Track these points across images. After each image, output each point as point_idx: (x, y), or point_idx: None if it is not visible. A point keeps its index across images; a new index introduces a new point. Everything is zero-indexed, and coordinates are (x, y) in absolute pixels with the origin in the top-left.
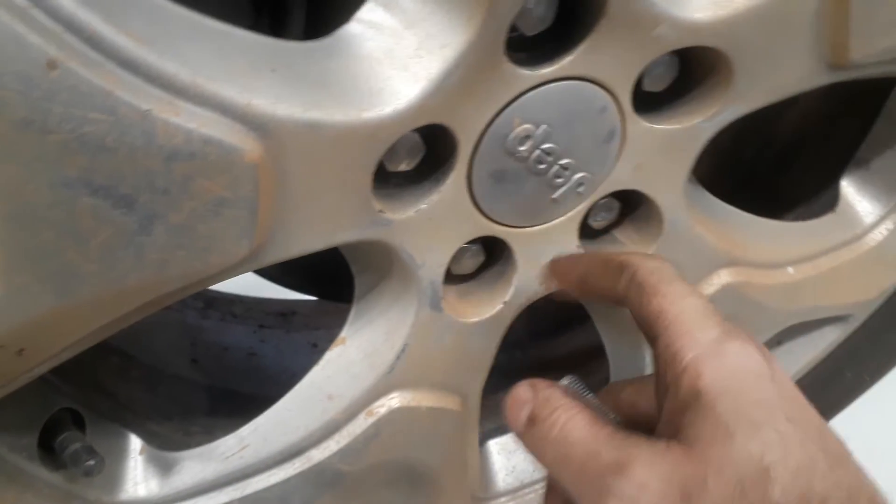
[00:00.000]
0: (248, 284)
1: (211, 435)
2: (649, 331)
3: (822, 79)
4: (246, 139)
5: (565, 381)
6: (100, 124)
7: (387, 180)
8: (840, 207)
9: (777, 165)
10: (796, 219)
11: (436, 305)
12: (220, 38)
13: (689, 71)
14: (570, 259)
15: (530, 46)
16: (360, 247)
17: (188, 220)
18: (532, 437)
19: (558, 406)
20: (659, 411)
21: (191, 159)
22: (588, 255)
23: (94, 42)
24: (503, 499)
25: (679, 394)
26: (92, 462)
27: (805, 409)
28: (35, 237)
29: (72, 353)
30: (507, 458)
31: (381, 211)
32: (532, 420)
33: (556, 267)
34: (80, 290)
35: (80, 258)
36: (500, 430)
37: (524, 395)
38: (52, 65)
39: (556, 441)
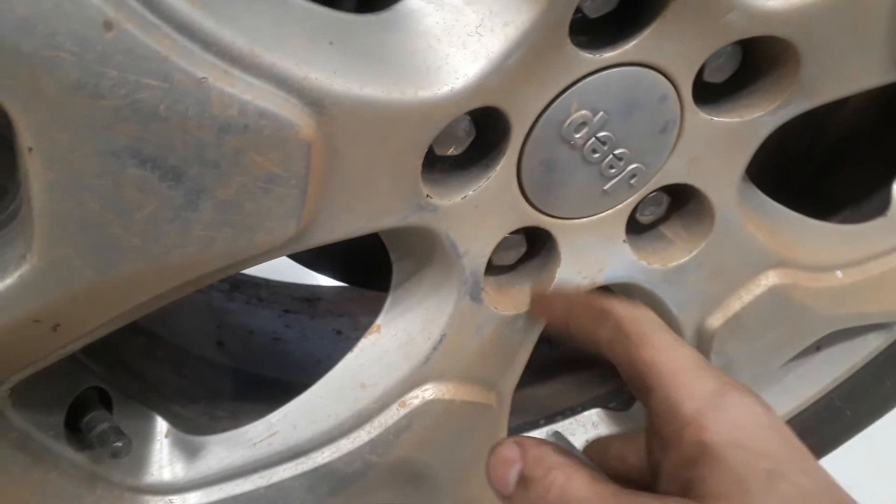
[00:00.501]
0: (271, 268)
1: (236, 420)
2: (640, 382)
3: (891, 76)
4: (301, 114)
5: (552, 437)
6: (153, 91)
7: (433, 164)
8: (891, 212)
9: (825, 165)
10: (842, 221)
11: (476, 296)
12: (278, 6)
13: (752, 62)
14: (553, 296)
15: (593, 29)
16: (402, 232)
17: (236, 196)
18: (524, 500)
19: (553, 465)
20: (652, 465)
21: (244, 132)
22: (569, 295)
23: (151, 4)
24: None
25: (683, 447)
26: (120, 443)
27: (812, 460)
28: (78, 208)
29: (106, 331)
30: None
31: (428, 196)
32: (524, 481)
33: (539, 302)
34: (122, 265)
35: (124, 231)
36: (523, 428)
37: (511, 453)
38: (108, 26)
39: (555, 503)
